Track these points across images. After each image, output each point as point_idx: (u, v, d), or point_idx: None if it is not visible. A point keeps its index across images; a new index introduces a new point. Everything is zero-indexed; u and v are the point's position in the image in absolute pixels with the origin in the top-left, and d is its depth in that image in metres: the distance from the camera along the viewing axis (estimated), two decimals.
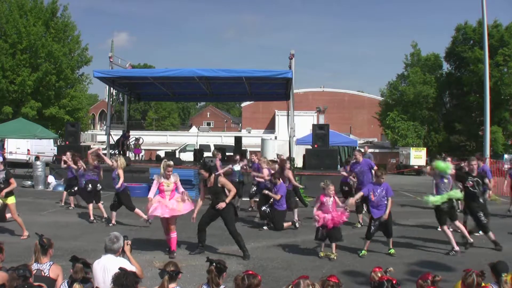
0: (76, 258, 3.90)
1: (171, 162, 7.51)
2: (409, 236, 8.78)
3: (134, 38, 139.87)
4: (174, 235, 7.27)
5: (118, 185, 9.40)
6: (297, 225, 9.40)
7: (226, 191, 7.17)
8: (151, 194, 7.28)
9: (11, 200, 8.09)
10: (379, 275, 3.77)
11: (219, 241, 7.92)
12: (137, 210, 9.39)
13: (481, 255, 7.42)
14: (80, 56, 29.34)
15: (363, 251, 7.27)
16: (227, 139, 33.63)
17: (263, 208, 9.46)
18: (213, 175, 7.23)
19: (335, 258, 7.04)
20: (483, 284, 3.86)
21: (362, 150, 13.83)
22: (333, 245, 7.17)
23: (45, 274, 4.22)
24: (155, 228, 9.10)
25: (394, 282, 3.53)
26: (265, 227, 9.47)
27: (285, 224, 9.31)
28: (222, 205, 7.03)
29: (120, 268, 3.62)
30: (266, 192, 9.45)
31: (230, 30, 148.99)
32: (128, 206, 9.42)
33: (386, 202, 7.25)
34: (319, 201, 7.31)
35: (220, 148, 21.93)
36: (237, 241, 7.15)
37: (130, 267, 4.08)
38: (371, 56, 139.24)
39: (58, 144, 24.28)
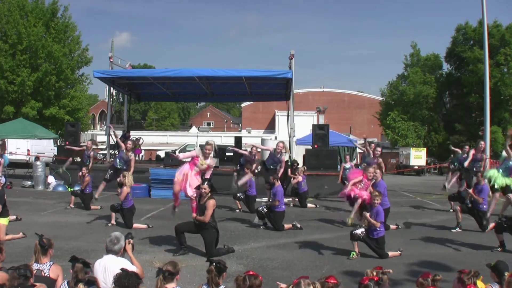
0: (75, 258, 3.90)
1: (211, 141, 7.52)
2: (409, 236, 8.78)
3: (136, 38, 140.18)
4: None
5: (124, 199, 9.24)
6: (298, 225, 9.38)
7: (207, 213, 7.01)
8: (181, 156, 7.43)
9: (3, 221, 7.76)
10: (374, 273, 3.75)
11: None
12: (135, 225, 9.27)
13: (481, 255, 7.42)
14: (80, 57, 29.38)
15: (352, 253, 7.25)
16: (227, 139, 33.61)
17: (260, 208, 9.47)
18: (210, 194, 7.18)
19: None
20: (479, 283, 3.86)
21: (363, 150, 13.85)
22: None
23: (45, 274, 4.22)
24: (155, 228, 9.12)
25: (376, 279, 3.53)
26: (261, 227, 9.47)
27: (286, 226, 9.29)
28: (199, 218, 7.04)
29: (122, 269, 3.61)
30: (269, 203, 9.44)
31: (230, 30, 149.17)
32: (128, 224, 9.22)
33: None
34: (359, 178, 7.60)
35: (220, 148, 21.95)
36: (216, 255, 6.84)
37: (131, 267, 4.07)
38: (371, 56, 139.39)
39: (58, 144, 24.29)
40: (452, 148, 13.45)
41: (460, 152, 12.65)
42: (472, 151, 11.62)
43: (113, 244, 4.32)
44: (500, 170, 8.01)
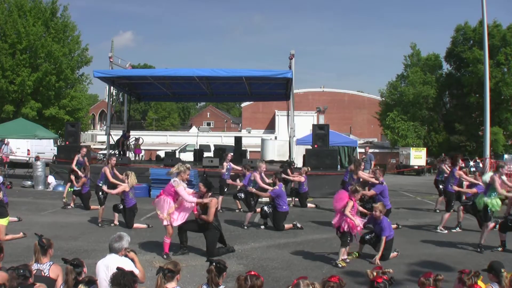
0: (66, 260, 3.89)
1: (189, 166, 7.43)
2: (409, 236, 8.78)
3: (139, 38, 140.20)
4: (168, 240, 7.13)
5: (125, 199, 9.25)
6: (298, 225, 9.38)
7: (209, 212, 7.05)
8: (190, 198, 6.99)
9: (2, 222, 7.70)
10: (375, 273, 3.74)
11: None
12: (135, 225, 9.27)
13: (481, 255, 7.43)
14: (80, 57, 29.34)
15: (355, 253, 7.24)
16: (227, 139, 33.63)
17: (264, 208, 9.47)
18: (210, 193, 7.18)
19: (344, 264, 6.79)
20: (479, 283, 3.86)
21: (363, 150, 13.87)
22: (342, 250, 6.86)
23: (45, 274, 4.22)
24: (155, 228, 9.11)
25: (385, 278, 3.52)
26: (262, 227, 9.47)
27: (286, 226, 9.29)
28: (203, 217, 7.04)
29: (118, 268, 3.62)
30: (254, 190, 9.53)
31: (230, 30, 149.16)
32: (128, 223, 9.23)
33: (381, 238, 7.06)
34: (353, 204, 6.78)
35: (220, 149, 21.95)
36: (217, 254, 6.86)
37: (133, 268, 4.07)
38: (371, 56, 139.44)
39: (58, 144, 24.28)
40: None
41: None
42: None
43: (113, 242, 4.38)
44: (492, 195, 7.80)
